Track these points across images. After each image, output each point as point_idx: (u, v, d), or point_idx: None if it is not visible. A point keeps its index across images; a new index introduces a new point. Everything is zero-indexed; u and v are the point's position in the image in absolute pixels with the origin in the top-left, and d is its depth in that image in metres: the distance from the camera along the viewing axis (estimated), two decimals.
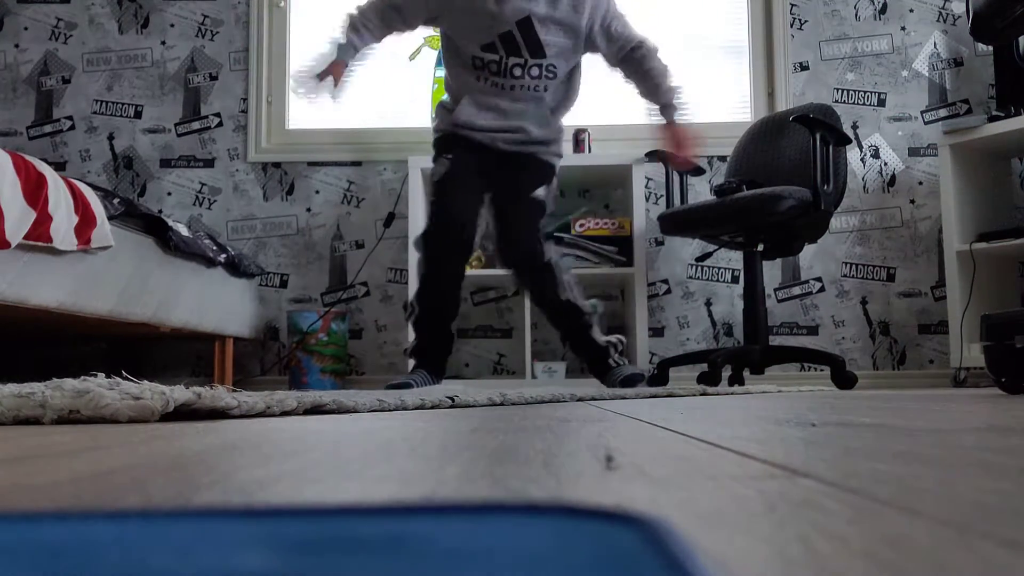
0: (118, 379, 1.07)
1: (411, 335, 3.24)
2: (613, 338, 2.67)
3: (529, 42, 2.50)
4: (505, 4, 2.45)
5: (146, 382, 1.07)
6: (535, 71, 2.53)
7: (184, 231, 2.96)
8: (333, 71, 2.56)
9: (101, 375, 1.09)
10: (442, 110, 2.69)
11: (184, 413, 1.03)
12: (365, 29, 2.58)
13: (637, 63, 2.61)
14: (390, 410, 1.31)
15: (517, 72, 2.53)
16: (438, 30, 2.69)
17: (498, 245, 2.60)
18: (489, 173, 2.59)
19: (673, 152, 2.67)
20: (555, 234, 3.42)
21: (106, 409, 0.97)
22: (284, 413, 1.15)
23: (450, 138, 2.62)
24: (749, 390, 2.40)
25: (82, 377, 1.08)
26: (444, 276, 2.55)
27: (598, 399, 1.79)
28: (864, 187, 3.73)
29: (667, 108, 2.62)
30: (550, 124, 2.64)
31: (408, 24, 2.61)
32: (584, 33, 2.55)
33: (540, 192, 2.60)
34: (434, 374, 2.60)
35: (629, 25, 2.63)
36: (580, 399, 1.77)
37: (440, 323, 2.61)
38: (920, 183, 3.72)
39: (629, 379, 2.57)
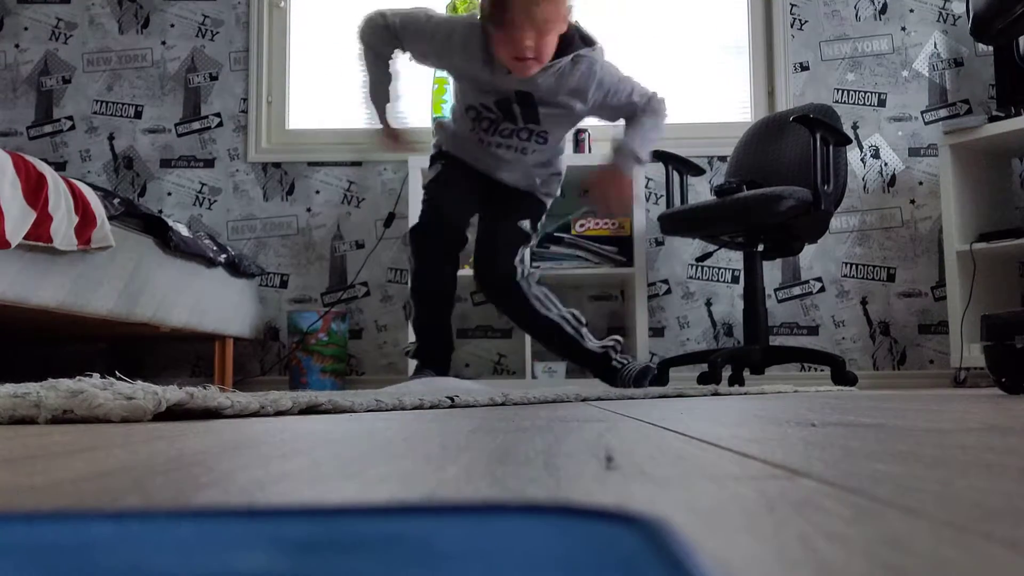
0: (112, 379, 1.08)
1: (411, 335, 3.26)
2: (609, 341, 2.62)
3: (526, 113, 2.46)
4: (503, 79, 2.38)
5: (139, 382, 1.07)
6: (524, 134, 2.51)
7: (184, 231, 2.96)
8: (390, 136, 2.61)
9: (96, 375, 1.09)
10: (439, 128, 2.67)
11: (178, 413, 1.03)
12: (382, 52, 2.54)
13: (637, 121, 2.56)
14: (387, 410, 1.31)
15: (506, 132, 2.50)
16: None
17: (475, 262, 2.58)
18: (481, 184, 2.58)
19: (600, 191, 2.57)
20: (555, 234, 3.43)
21: (99, 409, 0.97)
22: (278, 413, 1.15)
23: (445, 153, 2.63)
24: (764, 390, 2.38)
25: (77, 377, 1.08)
26: (436, 269, 2.54)
27: (604, 399, 1.78)
28: (864, 187, 3.73)
29: (628, 152, 2.50)
30: (533, 177, 2.61)
31: (403, 51, 2.56)
32: (585, 112, 2.53)
33: (525, 224, 2.57)
34: (440, 374, 2.58)
35: (628, 89, 2.55)
36: (585, 399, 1.76)
37: (438, 318, 2.59)
38: (920, 183, 3.72)
39: (640, 376, 2.54)
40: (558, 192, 2.71)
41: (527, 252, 2.60)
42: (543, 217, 2.68)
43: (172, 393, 1.02)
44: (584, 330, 2.59)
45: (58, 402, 0.98)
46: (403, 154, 2.63)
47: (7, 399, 0.99)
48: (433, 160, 2.66)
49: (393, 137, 2.62)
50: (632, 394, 1.98)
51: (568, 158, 3.01)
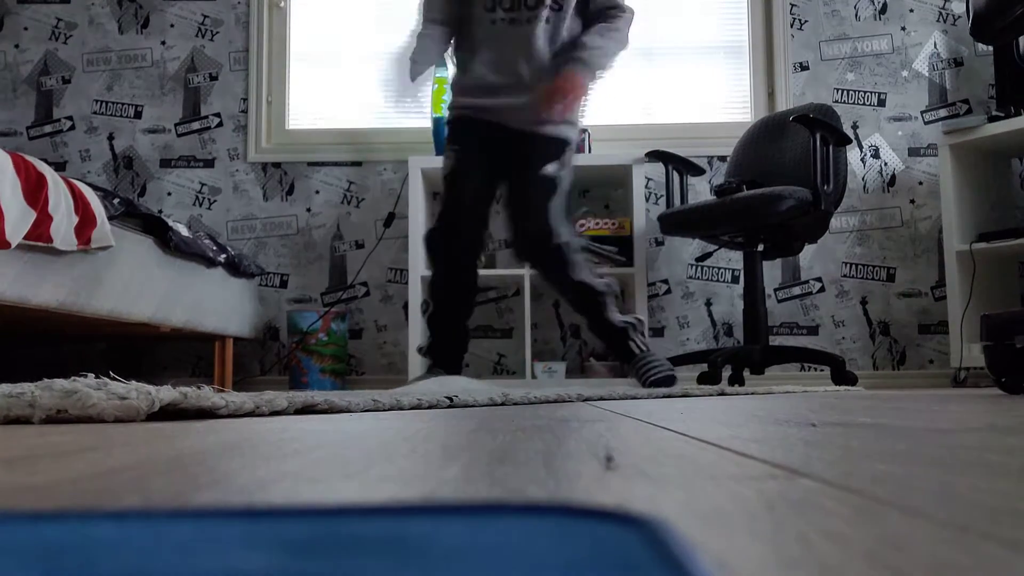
0: (106, 379, 1.08)
1: (411, 335, 3.26)
2: (631, 318, 2.59)
3: None
4: None
5: (134, 382, 1.08)
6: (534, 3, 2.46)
7: (184, 231, 2.96)
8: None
9: (91, 375, 1.10)
10: (453, 87, 2.65)
11: (172, 413, 1.03)
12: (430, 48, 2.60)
13: (602, 25, 2.52)
14: (385, 410, 1.31)
15: (531, 2, 2.46)
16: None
17: (509, 226, 2.52)
18: (497, 153, 2.52)
19: (548, 95, 2.46)
20: None
21: (92, 409, 0.98)
22: (274, 413, 1.15)
23: (458, 123, 2.56)
24: (771, 390, 2.37)
25: (72, 377, 1.09)
26: (454, 271, 2.52)
27: (604, 399, 1.78)
28: (864, 187, 3.73)
29: (574, 60, 2.47)
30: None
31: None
32: None
33: (550, 169, 2.48)
34: (449, 373, 2.56)
35: None
36: (587, 399, 1.76)
37: (454, 320, 2.58)
38: (920, 183, 3.72)
39: (661, 382, 2.48)
40: (581, 121, 2.61)
41: (564, 214, 2.49)
42: (569, 155, 2.56)
43: (165, 393, 1.02)
44: (612, 299, 2.55)
45: (52, 402, 0.99)
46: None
47: (1, 399, 0.99)
48: (447, 140, 2.59)
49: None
50: (635, 393, 1.97)
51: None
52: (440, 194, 2.58)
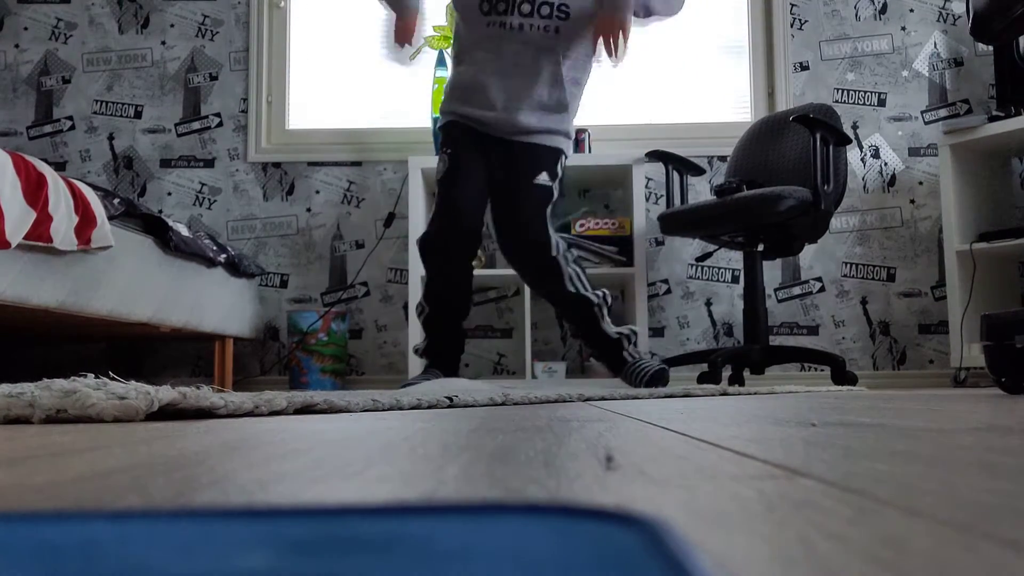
0: (106, 379, 1.08)
1: (411, 335, 3.26)
2: (625, 329, 2.59)
3: None
4: None
5: (133, 382, 1.08)
6: (545, 9, 2.44)
7: (184, 231, 2.96)
8: (405, 30, 2.55)
9: (90, 375, 1.10)
10: (448, 89, 2.61)
11: (171, 413, 1.03)
12: None
13: None
14: (384, 410, 1.31)
15: (526, 9, 2.43)
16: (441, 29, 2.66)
17: (500, 235, 2.50)
18: (490, 158, 2.52)
19: (602, 35, 2.46)
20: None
21: (92, 408, 0.98)
22: (273, 413, 1.15)
23: (452, 128, 2.55)
24: (774, 390, 2.37)
25: (72, 377, 1.09)
26: (450, 274, 2.51)
27: (608, 399, 1.78)
28: (864, 187, 3.73)
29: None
30: (559, 91, 2.51)
31: None
32: None
33: (543, 178, 2.49)
34: (447, 374, 2.56)
35: None
36: (588, 399, 1.76)
37: (451, 322, 2.57)
38: (920, 183, 3.72)
39: (654, 377, 2.50)
40: (572, 132, 2.59)
41: (557, 238, 2.51)
42: (562, 166, 2.56)
43: (164, 393, 1.02)
44: (606, 311, 2.54)
45: (52, 402, 0.99)
46: (410, 55, 2.52)
47: (1, 399, 0.99)
48: (443, 142, 2.56)
49: (408, 28, 2.55)
50: (637, 393, 1.97)
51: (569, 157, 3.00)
52: (436, 196, 2.56)
